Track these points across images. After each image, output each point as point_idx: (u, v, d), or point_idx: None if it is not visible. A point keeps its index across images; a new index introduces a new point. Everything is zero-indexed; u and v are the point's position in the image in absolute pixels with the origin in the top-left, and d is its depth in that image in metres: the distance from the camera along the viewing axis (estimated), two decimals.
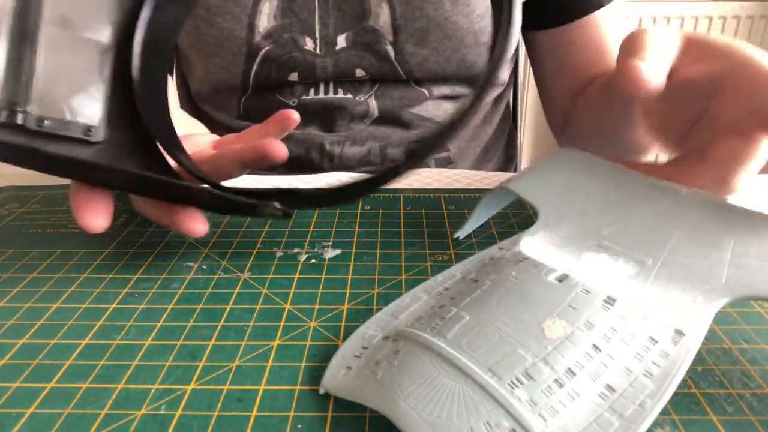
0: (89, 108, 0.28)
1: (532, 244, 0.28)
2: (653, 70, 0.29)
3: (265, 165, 0.32)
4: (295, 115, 0.32)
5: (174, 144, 0.32)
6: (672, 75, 0.31)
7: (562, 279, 0.25)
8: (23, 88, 0.27)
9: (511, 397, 0.20)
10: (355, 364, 0.24)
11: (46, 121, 0.27)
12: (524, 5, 0.55)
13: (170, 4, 0.33)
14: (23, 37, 0.27)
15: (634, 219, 0.29)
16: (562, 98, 0.59)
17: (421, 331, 0.23)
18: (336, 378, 0.23)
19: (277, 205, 0.33)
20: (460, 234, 0.36)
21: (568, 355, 0.21)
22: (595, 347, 0.22)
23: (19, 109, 0.26)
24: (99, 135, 0.29)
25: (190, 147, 0.35)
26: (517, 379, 0.21)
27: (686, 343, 0.22)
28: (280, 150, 0.32)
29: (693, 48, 0.31)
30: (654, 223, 0.28)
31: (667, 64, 0.30)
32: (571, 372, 0.21)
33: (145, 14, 0.31)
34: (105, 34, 0.29)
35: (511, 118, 0.69)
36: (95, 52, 0.28)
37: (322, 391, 0.23)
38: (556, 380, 0.20)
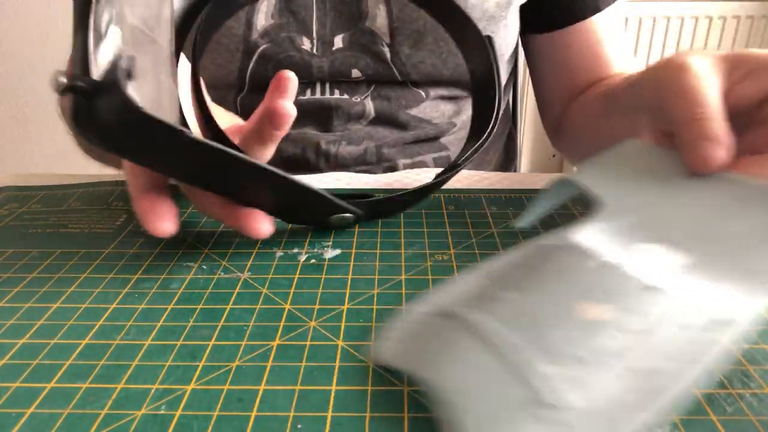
0: (169, 107, 0.29)
1: (587, 233, 0.29)
2: (724, 144, 0.29)
3: (279, 130, 0.33)
4: (289, 74, 0.32)
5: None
6: (724, 99, 0.31)
7: (606, 266, 0.25)
8: (130, 69, 0.26)
9: (549, 374, 0.20)
10: (402, 335, 0.25)
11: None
12: (522, 8, 0.55)
13: (221, 8, 0.34)
14: (124, 26, 0.27)
15: (697, 210, 0.29)
16: (557, 101, 0.60)
17: (467, 310, 0.24)
18: (386, 349, 0.24)
19: (349, 212, 0.35)
20: (521, 223, 0.35)
21: (604, 338, 0.22)
22: (632, 331, 0.22)
23: (128, 87, 0.26)
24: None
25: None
26: (557, 360, 0.21)
27: (725, 335, 0.22)
28: (287, 106, 0.31)
29: (737, 67, 0.32)
30: (715, 214, 0.28)
31: (722, 107, 0.31)
32: (606, 353, 0.21)
33: (200, 22, 0.32)
34: (169, 38, 0.29)
35: (510, 118, 0.69)
36: (167, 56, 0.29)
37: (368, 359, 0.24)
38: (595, 363, 0.21)
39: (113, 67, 0.25)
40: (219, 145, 0.28)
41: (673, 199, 0.30)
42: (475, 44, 0.41)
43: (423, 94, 0.54)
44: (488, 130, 0.39)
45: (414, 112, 0.55)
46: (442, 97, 0.55)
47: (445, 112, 0.56)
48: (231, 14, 0.37)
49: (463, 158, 0.39)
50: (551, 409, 0.20)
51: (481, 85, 0.42)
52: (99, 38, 0.26)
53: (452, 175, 0.39)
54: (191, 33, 0.33)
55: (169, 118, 0.28)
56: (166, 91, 0.28)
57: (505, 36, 0.54)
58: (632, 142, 0.35)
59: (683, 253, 0.26)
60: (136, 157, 0.29)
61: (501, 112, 0.40)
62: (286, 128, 0.33)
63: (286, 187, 0.32)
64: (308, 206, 0.35)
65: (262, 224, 0.31)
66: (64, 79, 0.24)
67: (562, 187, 0.36)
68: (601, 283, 0.24)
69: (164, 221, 0.30)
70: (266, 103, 0.33)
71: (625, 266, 0.25)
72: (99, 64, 0.25)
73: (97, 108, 0.25)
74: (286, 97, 0.33)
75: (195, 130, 0.35)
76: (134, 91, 0.25)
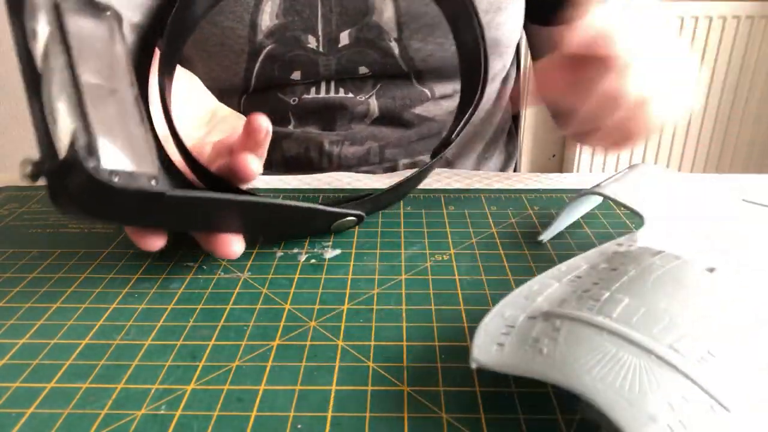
0: (146, 156, 0.28)
1: (653, 241, 0.28)
2: None
3: (247, 183, 0.33)
4: (261, 122, 0.31)
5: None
6: None
7: (711, 270, 0.25)
8: (89, 142, 0.25)
9: (702, 373, 0.20)
10: (506, 341, 0.23)
11: (115, 176, 0.26)
12: (526, 1, 0.55)
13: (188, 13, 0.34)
14: (72, 95, 0.26)
15: (739, 231, 0.30)
16: None
17: (578, 311, 0.23)
18: (488, 353, 0.23)
19: (352, 215, 0.35)
20: (545, 237, 0.36)
21: (746, 338, 0.21)
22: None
23: (91, 163, 0.25)
24: (162, 183, 0.28)
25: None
26: (702, 357, 0.20)
27: None
28: (252, 167, 0.31)
29: None
30: (759, 236, 0.29)
31: None
32: (750, 354, 0.21)
33: (167, 32, 0.32)
34: (129, 79, 0.28)
35: (511, 117, 0.69)
36: (132, 101, 0.28)
37: (474, 366, 0.23)
38: (739, 360, 0.20)
39: (72, 144, 0.24)
40: (206, 194, 0.28)
41: (712, 221, 0.31)
42: (460, 10, 0.41)
43: (428, 92, 0.54)
44: (476, 98, 0.39)
45: (418, 110, 0.55)
46: (445, 96, 0.55)
47: (448, 109, 0.56)
48: (201, 18, 0.36)
49: (455, 132, 0.39)
50: (728, 412, 0.19)
51: (467, 52, 0.42)
52: (56, 112, 0.25)
53: (444, 152, 0.39)
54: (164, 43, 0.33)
55: (149, 167, 0.27)
56: (140, 140, 0.27)
57: (511, 28, 0.54)
58: (646, 165, 0.36)
59: (755, 268, 0.27)
60: (121, 222, 0.29)
61: (487, 81, 0.40)
62: (252, 180, 0.32)
63: (281, 212, 0.32)
64: (307, 222, 0.35)
65: (234, 245, 0.31)
66: (30, 166, 0.24)
67: (586, 201, 0.36)
68: (723, 286, 0.23)
69: (154, 238, 0.30)
70: (235, 151, 0.32)
71: (725, 270, 0.24)
72: (61, 140, 0.25)
73: (68, 186, 0.25)
74: (257, 150, 0.32)
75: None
76: (106, 158, 0.24)
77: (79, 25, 0.26)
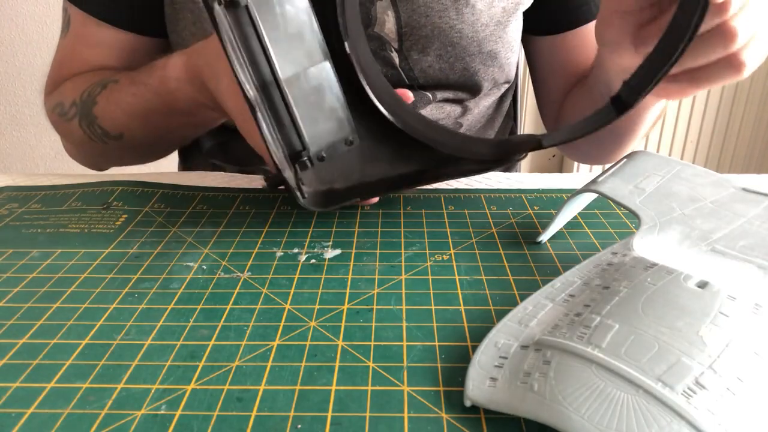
0: (340, 122, 0.32)
1: (647, 248, 0.28)
2: None
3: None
4: (411, 95, 0.40)
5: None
6: None
7: (702, 285, 0.24)
8: (297, 139, 0.30)
9: (690, 407, 0.20)
10: (499, 375, 0.23)
11: (323, 153, 0.31)
12: (525, 12, 0.55)
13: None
14: (273, 100, 0.29)
15: (736, 223, 0.30)
16: (557, 100, 0.60)
17: (569, 341, 0.23)
18: (481, 390, 0.23)
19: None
20: (544, 237, 0.36)
21: (733, 363, 0.21)
22: (756, 354, 0.21)
23: (303, 159, 0.30)
24: (356, 139, 0.33)
25: None
26: (690, 389, 0.20)
27: None
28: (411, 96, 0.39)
29: None
30: (757, 227, 0.29)
31: None
32: (739, 380, 0.20)
33: (342, 20, 0.34)
34: (321, 55, 0.31)
35: (512, 117, 0.69)
36: (324, 74, 0.31)
37: (468, 404, 0.23)
38: (727, 389, 0.20)
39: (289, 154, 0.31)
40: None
41: (711, 214, 0.31)
42: None
43: (430, 96, 0.55)
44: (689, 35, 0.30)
45: (422, 113, 0.55)
46: (448, 100, 0.56)
47: (451, 114, 0.56)
48: None
49: (656, 76, 0.31)
50: None
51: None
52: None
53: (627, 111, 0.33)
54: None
55: (344, 132, 0.32)
56: (334, 110, 0.32)
57: (510, 41, 0.54)
58: (644, 153, 0.36)
59: (750, 265, 0.26)
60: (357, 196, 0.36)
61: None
62: None
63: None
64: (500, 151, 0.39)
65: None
66: (266, 178, 0.32)
67: (582, 197, 0.36)
68: (713, 305, 0.23)
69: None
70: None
71: (721, 284, 0.24)
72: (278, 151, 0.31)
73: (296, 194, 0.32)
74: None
75: None
76: (313, 145, 0.31)
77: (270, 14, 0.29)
